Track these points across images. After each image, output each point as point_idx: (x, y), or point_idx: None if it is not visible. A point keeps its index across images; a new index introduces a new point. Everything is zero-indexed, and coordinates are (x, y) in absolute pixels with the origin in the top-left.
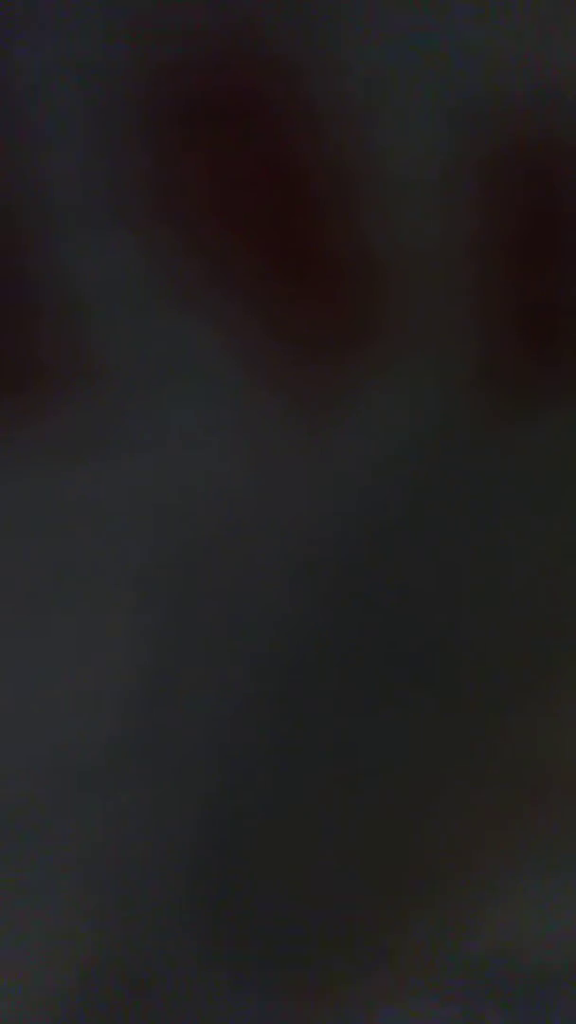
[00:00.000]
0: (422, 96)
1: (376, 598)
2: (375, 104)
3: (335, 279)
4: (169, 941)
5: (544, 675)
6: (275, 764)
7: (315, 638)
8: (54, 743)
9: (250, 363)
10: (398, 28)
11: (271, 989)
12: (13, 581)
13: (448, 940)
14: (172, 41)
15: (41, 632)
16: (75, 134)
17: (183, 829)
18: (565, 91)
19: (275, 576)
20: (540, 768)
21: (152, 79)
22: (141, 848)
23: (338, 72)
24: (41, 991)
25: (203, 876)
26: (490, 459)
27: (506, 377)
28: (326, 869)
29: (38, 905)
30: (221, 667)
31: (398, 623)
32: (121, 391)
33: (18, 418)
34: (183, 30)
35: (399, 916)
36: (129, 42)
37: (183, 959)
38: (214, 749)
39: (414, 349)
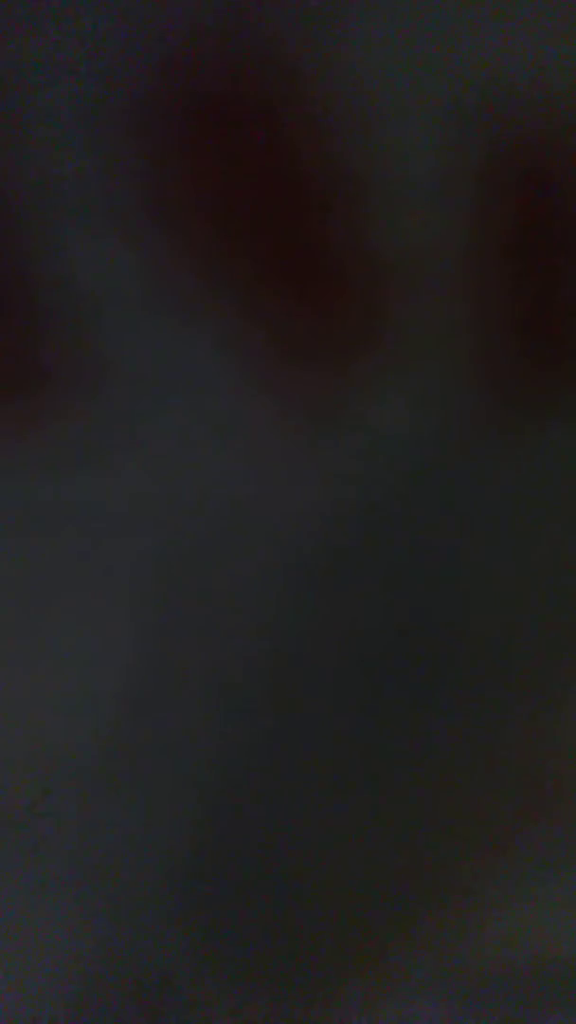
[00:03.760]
0: (422, 98)
1: (376, 603)
2: (375, 106)
3: (335, 283)
4: (167, 944)
5: (547, 679)
6: (274, 765)
7: (314, 642)
8: (52, 745)
9: (250, 369)
10: (399, 28)
11: (270, 991)
12: (14, 582)
13: (449, 941)
14: (171, 42)
15: (41, 633)
16: (75, 137)
17: (181, 831)
18: (565, 91)
19: (275, 579)
20: (542, 771)
21: (152, 80)
22: (138, 850)
23: (338, 73)
24: (39, 994)
25: (201, 878)
26: (491, 465)
27: (508, 382)
28: (326, 871)
29: (35, 908)
30: (220, 669)
31: (398, 628)
32: (121, 396)
33: (19, 423)
34: (182, 30)
35: (400, 917)
36: (128, 43)
37: (181, 962)
38: (212, 751)
39: (415, 354)
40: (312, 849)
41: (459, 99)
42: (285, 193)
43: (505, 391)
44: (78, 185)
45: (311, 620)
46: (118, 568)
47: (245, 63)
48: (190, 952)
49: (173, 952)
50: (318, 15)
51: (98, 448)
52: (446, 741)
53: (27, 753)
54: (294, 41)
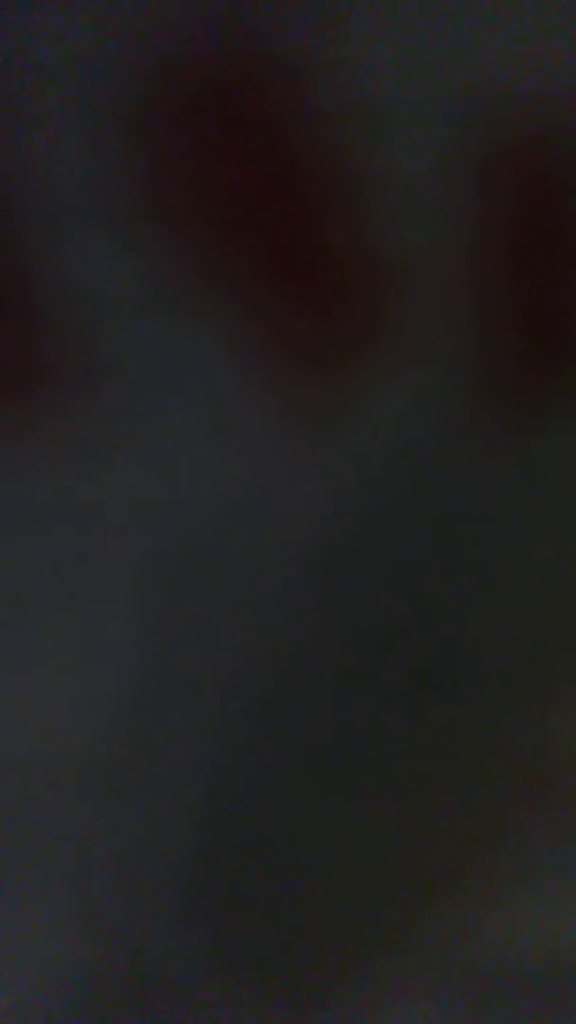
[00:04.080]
0: (423, 98)
1: (375, 603)
2: (375, 106)
3: (335, 283)
4: (167, 944)
5: (545, 680)
6: (273, 766)
7: (314, 642)
8: (52, 744)
9: (250, 369)
10: (398, 28)
11: (270, 992)
12: (14, 582)
13: (449, 942)
14: (171, 42)
15: (40, 633)
16: (75, 137)
17: (182, 831)
18: (565, 91)
19: (274, 580)
20: (540, 771)
21: (152, 80)
22: (139, 850)
23: (339, 73)
24: (40, 994)
25: (202, 879)
26: (491, 464)
27: (508, 384)
28: (326, 871)
29: (35, 908)
30: (219, 669)
31: (397, 628)
32: (121, 396)
33: (20, 423)
34: (182, 31)
35: (400, 918)
36: (128, 43)
37: (182, 962)
38: (212, 751)
39: (414, 355)
40: (312, 849)
41: (459, 99)
42: (285, 193)
43: (505, 391)
44: (78, 185)
45: (311, 619)
46: (118, 568)
47: (245, 63)
48: (191, 952)
49: (174, 952)
50: (318, 15)
51: (98, 448)
52: (446, 740)
53: (28, 753)
54: (294, 41)
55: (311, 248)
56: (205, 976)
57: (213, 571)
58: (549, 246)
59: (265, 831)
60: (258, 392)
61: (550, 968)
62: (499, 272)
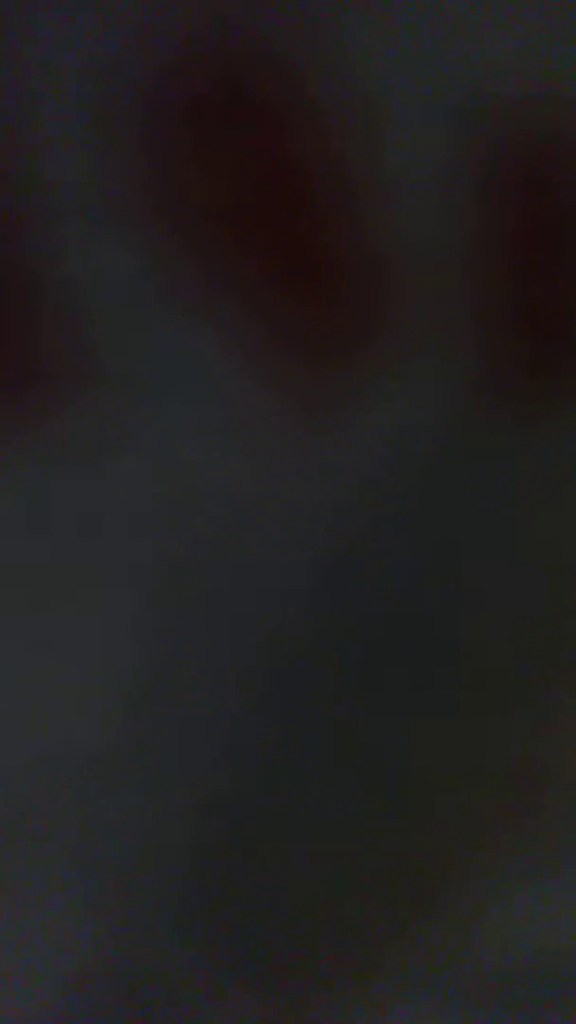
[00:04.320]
0: (423, 97)
1: (375, 601)
2: (376, 105)
3: (336, 281)
4: (166, 942)
5: (543, 680)
6: (273, 767)
7: (314, 641)
8: (53, 745)
9: (251, 366)
10: (398, 28)
11: (268, 991)
12: (14, 581)
13: (448, 942)
14: (173, 42)
15: (44, 633)
16: (77, 137)
17: (181, 831)
18: (565, 91)
19: (275, 579)
20: (539, 771)
21: (154, 81)
22: (138, 850)
23: (339, 73)
24: (37, 991)
25: (200, 879)
26: (492, 463)
27: (508, 383)
28: (324, 872)
29: (35, 906)
30: (220, 669)
31: (397, 627)
32: (123, 394)
33: (21, 421)
34: (183, 32)
35: (399, 918)
36: (130, 44)
37: (179, 961)
38: (212, 751)
39: (415, 352)
40: (311, 850)
41: (459, 98)
42: (286, 192)
43: (505, 389)
44: (80, 185)
45: (312, 618)
46: (119, 567)
47: (246, 64)
48: (191, 952)
49: (174, 952)
50: (319, 16)
51: (98, 448)
52: (446, 740)
53: (31, 751)
54: (295, 41)
55: (312, 246)
56: (204, 976)
57: (214, 570)
58: (549, 246)
59: (265, 830)
60: (259, 390)
61: (550, 968)
62: (499, 271)
